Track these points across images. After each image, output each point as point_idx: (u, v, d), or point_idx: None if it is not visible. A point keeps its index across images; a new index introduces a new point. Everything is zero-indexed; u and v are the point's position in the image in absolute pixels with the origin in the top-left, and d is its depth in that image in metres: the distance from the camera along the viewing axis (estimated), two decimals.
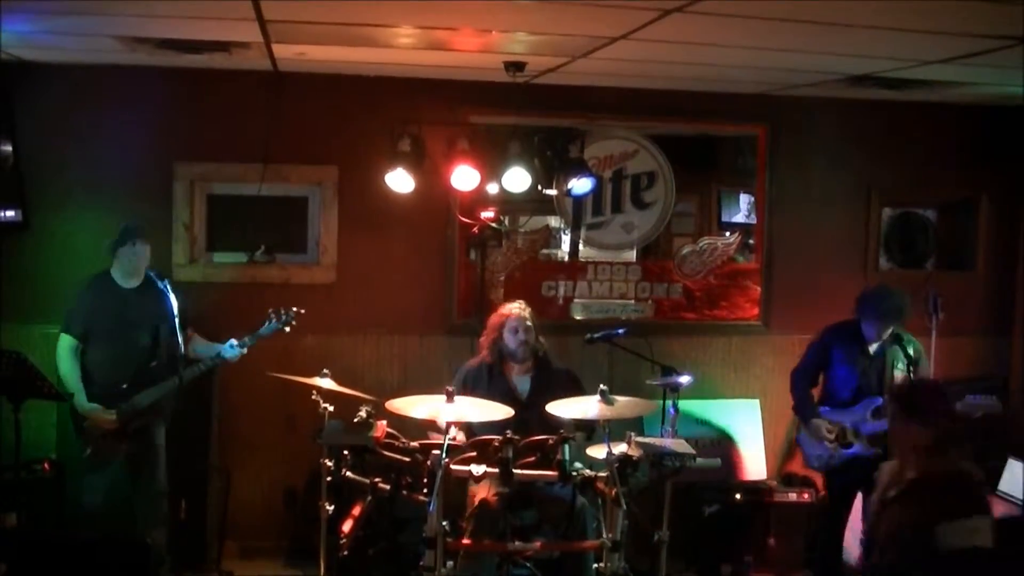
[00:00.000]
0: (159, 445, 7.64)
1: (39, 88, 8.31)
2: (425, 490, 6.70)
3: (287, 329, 7.68)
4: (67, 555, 6.42)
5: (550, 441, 6.71)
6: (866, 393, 7.84)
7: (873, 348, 7.83)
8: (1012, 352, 10.04)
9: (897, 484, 5.67)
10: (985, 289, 10.14)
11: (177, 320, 7.18)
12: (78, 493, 7.58)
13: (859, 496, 8.04)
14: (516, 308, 7.74)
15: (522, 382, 7.70)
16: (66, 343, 7.48)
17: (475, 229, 8.82)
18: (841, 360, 7.99)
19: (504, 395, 7.32)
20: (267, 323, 7.63)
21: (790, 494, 8.83)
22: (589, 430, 7.09)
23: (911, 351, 7.77)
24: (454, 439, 6.53)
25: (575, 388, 7.47)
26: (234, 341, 7.52)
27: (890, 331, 7.80)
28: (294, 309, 7.70)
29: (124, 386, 7.39)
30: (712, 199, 9.94)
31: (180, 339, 7.21)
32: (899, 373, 7.72)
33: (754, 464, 9.13)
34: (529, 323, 7.69)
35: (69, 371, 7.46)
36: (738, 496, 8.74)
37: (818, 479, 8.88)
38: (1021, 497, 8.52)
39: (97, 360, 7.52)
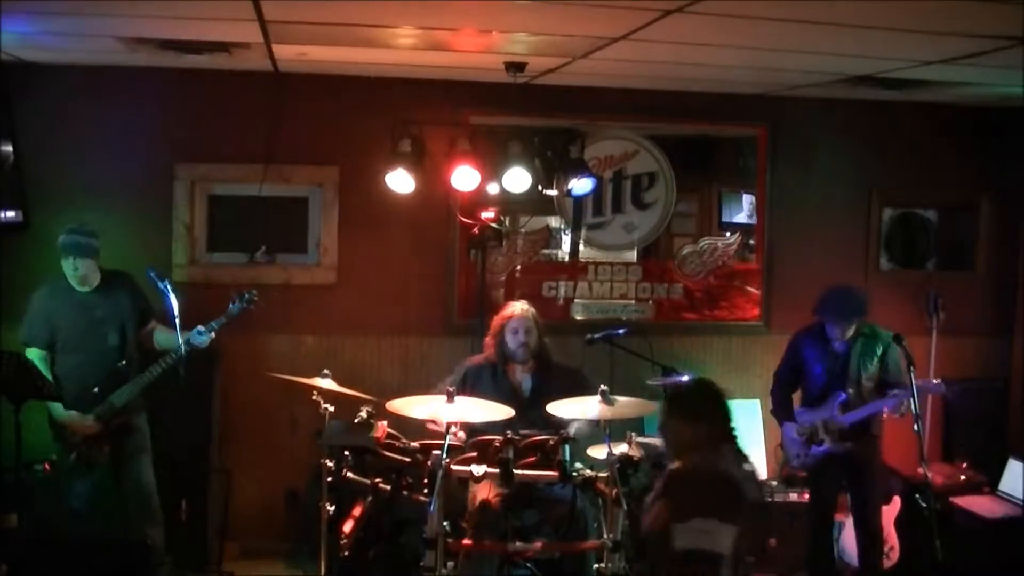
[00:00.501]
0: (143, 442, 7.57)
1: (40, 89, 8.31)
2: (426, 490, 6.70)
3: (251, 307, 7.55)
4: (68, 556, 6.43)
5: (551, 441, 6.71)
6: (833, 390, 7.84)
7: (839, 347, 7.83)
8: (1013, 353, 10.03)
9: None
10: (986, 290, 10.14)
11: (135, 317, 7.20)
12: (64, 498, 7.50)
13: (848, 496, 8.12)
14: (518, 309, 7.73)
15: (525, 381, 7.69)
16: (34, 355, 7.36)
17: (475, 229, 8.80)
18: (813, 359, 8.00)
19: (506, 394, 7.32)
20: (231, 305, 7.51)
21: (791, 494, 8.82)
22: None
23: (878, 345, 7.81)
24: (455, 435, 6.54)
25: (580, 388, 7.43)
26: (201, 327, 7.44)
27: (852, 328, 7.82)
28: (253, 291, 7.60)
29: (95, 389, 7.34)
30: (713, 199, 9.93)
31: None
32: (870, 366, 7.78)
33: (755, 464, 9.08)
34: (531, 324, 7.67)
35: None
36: None
37: None
38: (1021, 497, 8.52)
39: (68, 366, 7.44)
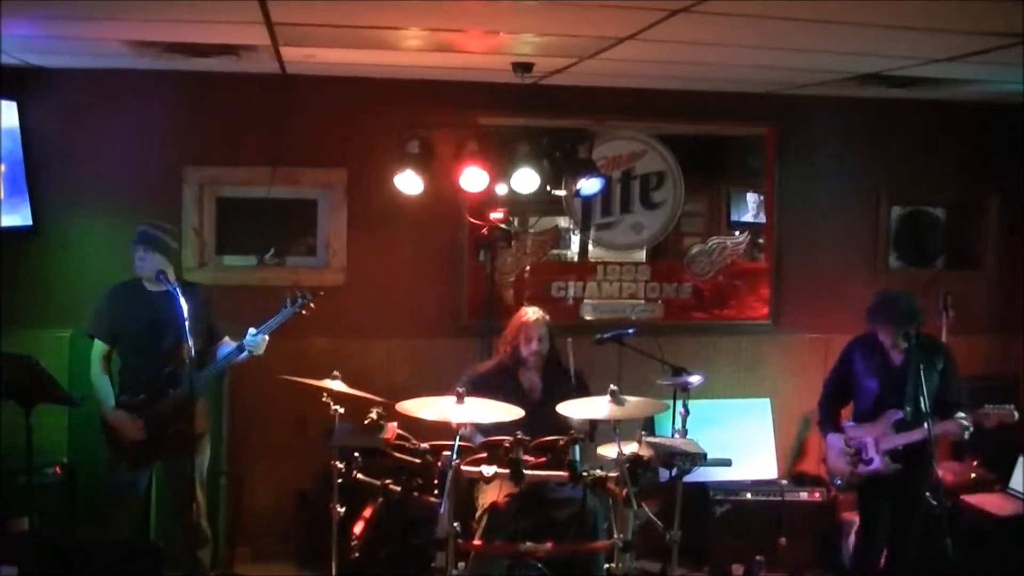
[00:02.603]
0: (197, 460, 7.33)
1: (48, 93, 8.33)
2: (436, 491, 6.70)
3: (304, 312, 7.51)
4: (78, 559, 6.43)
5: (560, 442, 6.71)
6: (888, 406, 7.53)
7: (896, 358, 7.53)
8: (1022, 351, 10.01)
9: None
10: (995, 288, 10.14)
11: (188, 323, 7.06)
12: (107, 499, 7.48)
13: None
14: (532, 316, 7.73)
15: (535, 383, 7.71)
16: (97, 349, 7.41)
17: (484, 230, 8.80)
18: (864, 372, 7.71)
19: (516, 395, 7.32)
20: (285, 307, 7.45)
21: (801, 493, 8.83)
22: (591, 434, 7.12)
23: (938, 359, 7.50)
24: (466, 431, 6.54)
25: (581, 390, 7.46)
26: (253, 329, 7.41)
27: (910, 336, 7.41)
28: (308, 293, 7.54)
29: (142, 395, 7.32)
30: (721, 199, 9.92)
31: (190, 343, 7.04)
32: (930, 382, 7.26)
33: (765, 464, 9.10)
34: (544, 331, 7.69)
35: (98, 377, 7.40)
36: (749, 496, 8.74)
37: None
38: None
39: (125, 365, 7.46)
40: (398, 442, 7.02)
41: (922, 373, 7.16)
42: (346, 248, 8.96)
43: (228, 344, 7.56)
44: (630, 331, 8.08)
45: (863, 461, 7.58)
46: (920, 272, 9.93)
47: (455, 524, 6.12)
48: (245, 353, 7.38)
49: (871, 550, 7.84)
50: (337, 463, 7.00)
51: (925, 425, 7.11)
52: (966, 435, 7.27)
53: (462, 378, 7.43)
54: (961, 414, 7.25)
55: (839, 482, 7.85)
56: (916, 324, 7.43)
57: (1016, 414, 7.32)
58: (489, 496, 6.99)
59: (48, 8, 5.87)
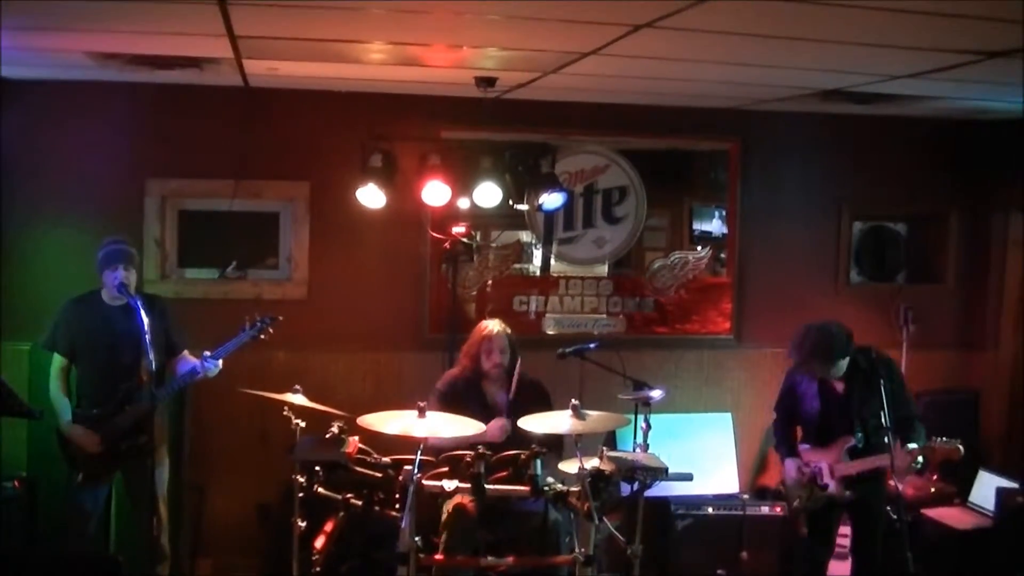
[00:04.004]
0: (157, 472, 7.27)
1: (9, 104, 8.27)
2: (397, 506, 6.70)
3: (265, 337, 7.59)
4: (38, 573, 6.39)
5: (522, 456, 6.71)
6: (839, 431, 7.60)
7: (839, 386, 7.58)
8: (983, 364, 10.08)
9: None
10: (956, 302, 10.21)
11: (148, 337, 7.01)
12: (70, 512, 7.45)
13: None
14: (495, 329, 7.74)
15: (499, 397, 7.71)
16: (55, 362, 7.41)
17: (447, 244, 8.81)
18: (807, 396, 7.78)
19: (480, 409, 7.33)
20: (244, 330, 7.47)
21: (763, 507, 8.84)
22: (558, 446, 7.15)
23: (877, 377, 7.22)
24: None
25: (543, 402, 7.48)
26: (208, 354, 7.43)
27: (843, 367, 7.50)
28: (270, 316, 7.59)
29: (96, 409, 7.32)
30: (684, 213, 9.94)
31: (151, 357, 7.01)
32: (874, 404, 7.25)
33: (727, 478, 9.12)
34: (506, 344, 7.69)
35: (56, 391, 7.39)
36: (711, 510, 8.75)
37: None
38: (992, 509, 8.56)
39: (83, 379, 7.45)
40: (360, 456, 7.01)
41: (864, 398, 7.41)
42: (308, 261, 8.94)
43: (188, 360, 7.54)
44: (592, 345, 8.07)
45: (819, 487, 7.66)
46: (881, 287, 9.99)
47: (417, 538, 6.11)
48: (200, 375, 7.41)
49: (818, 565, 8.00)
50: (299, 477, 6.98)
51: (877, 453, 7.28)
52: (916, 466, 7.33)
53: (433, 391, 7.46)
54: (913, 445, 7.25)
55: (796, 504, 7.93)
56: (839, 356, 7.46)
57: (961, 449, 7.26)
58: (455, 502, 7.00)
59: (9, 18, 5.84)
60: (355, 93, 8.73)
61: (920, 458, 7.23)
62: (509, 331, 7.79)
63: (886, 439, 7.03)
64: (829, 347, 7.43)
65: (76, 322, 7.41)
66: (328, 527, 7.16)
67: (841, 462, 7.55)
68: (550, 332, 9.38)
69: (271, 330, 7.55)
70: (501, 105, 8.60)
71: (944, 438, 7.26)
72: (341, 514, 7.09)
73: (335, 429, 7.00)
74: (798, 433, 8.06)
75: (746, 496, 8.99)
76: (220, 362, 7.43)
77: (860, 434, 7.50)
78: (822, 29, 5.54)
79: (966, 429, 9.71)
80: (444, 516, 7.05)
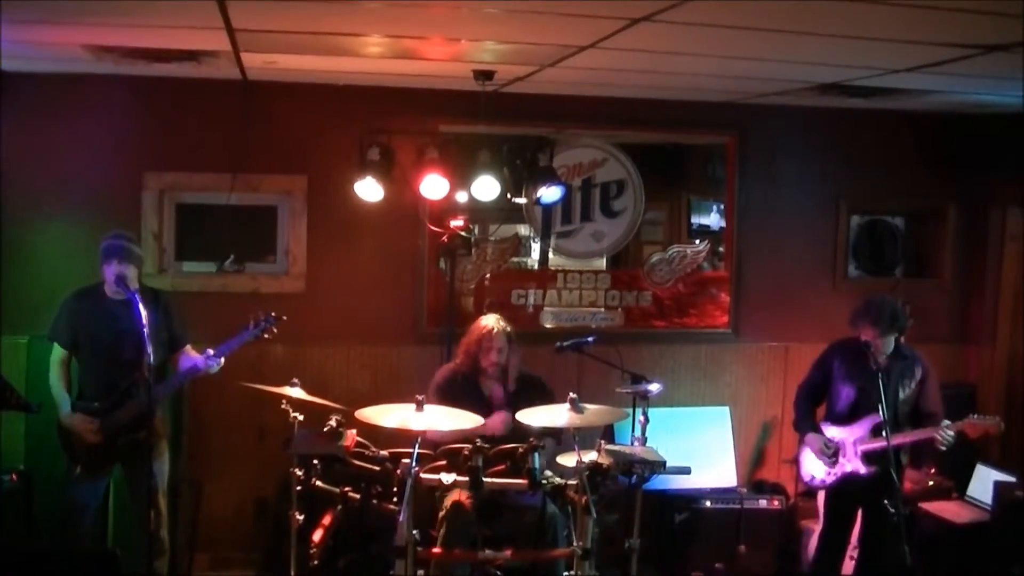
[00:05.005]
0: (156, 466, 7.24)
1: (6, 97, 8.26)
2: (395, 499, 6.70)
3: (268, 335, 7.58)
4: (35, 566, 6.38)
5: (520, 450, 6.70)
6: (866, 410, 7.62)
7: (876, 364, 7.46)
8: (980, 359, 10.08)
9: None
10: (953, 297, 10.21)
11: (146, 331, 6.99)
12: (64, 507, 7.42)
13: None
14: (494, 326, 7.73)
15: (495, 390, 7.71)
16: (56, 353, 7.39)
17: (444, 238, 8.78)
18: (842, 376, 7.82)
19: (477, 403, 7.33)
20: (248, 329, 7.47)
21: (760, 501, 8.86)
22: (557, 437, 7.15)
23: (917, 368, 7.66)
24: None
25: (545, 396, 7.49)
26: (211, 351, 7.42)
27: (891, 342, 7.62)
28: (273, 314, 7.58)
29: (96, 403, 7.29)
30: (682, 207, 9.94)
31: (151, 352, 6.95)
32: (908, 389, 7.62)
33: (724, 471, 9.12)
34: (504, 341, 7.69)
35: (55, 381, 7.37)
36: (708, 503, 8.76)
37: (790, 485, 8.96)
38: (989, 503, 8.56)
39: (84, 373, 7.42)
40: (357, 450, 7.01)
41: (901, 379, 7.50)
42: (306, 255, 8.93)
43: (190, 357, 7.52)
44: (590, 339, 8.06)
45: (841, 462, 7.70)
46: (879, 281, 9.98)
47: (414, 532, 6.10)
48: (201, 372, 7.41)
49: (833, 554, 7.98)
50: (296, 471, 6.98)
51: (902, 432, 7.41)
52: (945, 446, 7.39)
53: (431, 384, 7.46)
54: (947, 422, 7.37)
55: (814, 482, 7.93)
56: (899, 330, 7.61)
57: (1002, 425, 7.43)
58: (452, 498, 7.00)
59: (6, 12, 5.83)
60: (353, 87, 8.73)
61: (951, 435, 7.34)
62: (508, 328, 7.78)
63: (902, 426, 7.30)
64: (895, 315, 7.59)
65: (78, 314, 7.38)
66: (326, 520, 7.15)
67: (865, 439, 7.61)
68: (548, 326, 9.37)
69: (275, 329, 7.55)
70: (499, 99, 8.59)
71: (980, 415, 7.48)
72: (339, 508, 7.08)
73: (333, 423, 6.99)
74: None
75: (744, 490, 9.00)
76: (222, 360, 7.43)
77: (887, 414, 7.33)
78: (820, 23, 5.53)
79: None
80: (442, 510, 7.05)
